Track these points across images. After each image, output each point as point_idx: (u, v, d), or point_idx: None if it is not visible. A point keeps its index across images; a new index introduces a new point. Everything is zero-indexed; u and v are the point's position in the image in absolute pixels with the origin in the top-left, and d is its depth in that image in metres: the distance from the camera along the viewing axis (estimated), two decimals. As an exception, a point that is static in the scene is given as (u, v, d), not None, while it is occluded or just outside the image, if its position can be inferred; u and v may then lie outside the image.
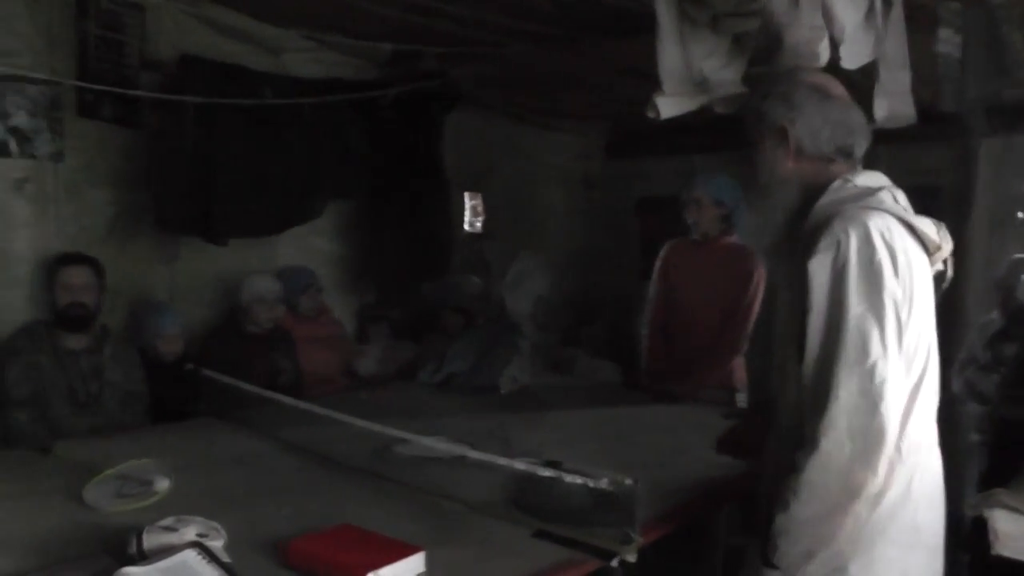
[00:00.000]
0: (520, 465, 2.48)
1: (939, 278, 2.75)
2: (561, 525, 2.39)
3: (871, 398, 1.83)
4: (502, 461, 2.52)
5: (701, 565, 3.42)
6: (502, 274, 6.58)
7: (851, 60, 2.55)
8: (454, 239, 5.78)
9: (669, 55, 2.61)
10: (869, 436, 1.84)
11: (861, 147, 2.09)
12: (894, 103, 2.85)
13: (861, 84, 2.94)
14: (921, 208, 6.20)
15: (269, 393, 3.47)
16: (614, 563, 2.20)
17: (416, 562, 2.04)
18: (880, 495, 1.91)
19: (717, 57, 2.70)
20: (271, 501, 2.61)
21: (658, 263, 4.55)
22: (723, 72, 2.73)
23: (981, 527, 3.05)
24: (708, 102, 2.77)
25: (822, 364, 1.90)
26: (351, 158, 4.88)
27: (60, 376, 3.71)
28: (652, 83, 2.73)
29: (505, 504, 2.59)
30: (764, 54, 2.42)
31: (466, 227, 6.55)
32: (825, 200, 2.02)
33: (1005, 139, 5.46)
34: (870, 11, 2.64)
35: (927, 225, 2.00)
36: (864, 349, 1.84)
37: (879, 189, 2.01)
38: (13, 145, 3.84)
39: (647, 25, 4.13)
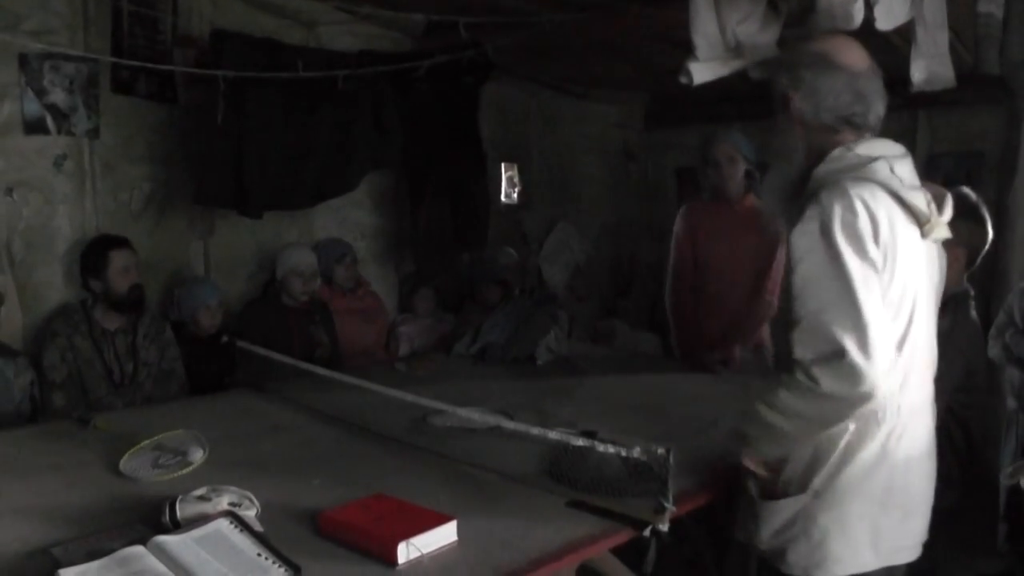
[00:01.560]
0: (554, 435, 2.47)
1: (980, 240, 2.73)
2: (595, 495, 2.39)
3: (867, 353, 1.88)
4: (536, 431, 2.52)
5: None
6: (540, 245, 6.58)
7: (886, 21, 2.49)
8: (491, 210, 5.75)
9: (703, 20, 2.56)
10: (863, 391, 1.90)
11: (874, 114, 2.10)
12: (932, 65, 2.77)
13: (900, 46, 2.88)
14: (965, 174, 6.10)
15: (304, 364, 3.50)
16: (647, 533, 2.18)
17: (448, 531, 2.04)
18: (851, 452, 2.04)
19: (752, 21, 2.64)
20: (305, 471, 2.62)
21: (679, 228, 4.38)
22: (758, 36, 2.68)
23: (1018, 496, 3.00)
24: (743, 67, 2.71)
25: (805, 304, 1.96)
26: (387, 130, 4.86)
27: (96, 357, 3.75)
28: (689, 50, 2.69)
29: (539, 474, 2.59)
30: (798, 16, 2.36)
31: (503, 198, 6.53)
32: (822, 169, 2.07)
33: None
34: (907, -30, 2.57)
35: (918, 198, 2.03)
36: (857, 311, 1.90)
37: (875, 159, 2.02)
38: (50, 122, 3.88)
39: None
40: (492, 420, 2.86)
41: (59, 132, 3.93)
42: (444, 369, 4.27)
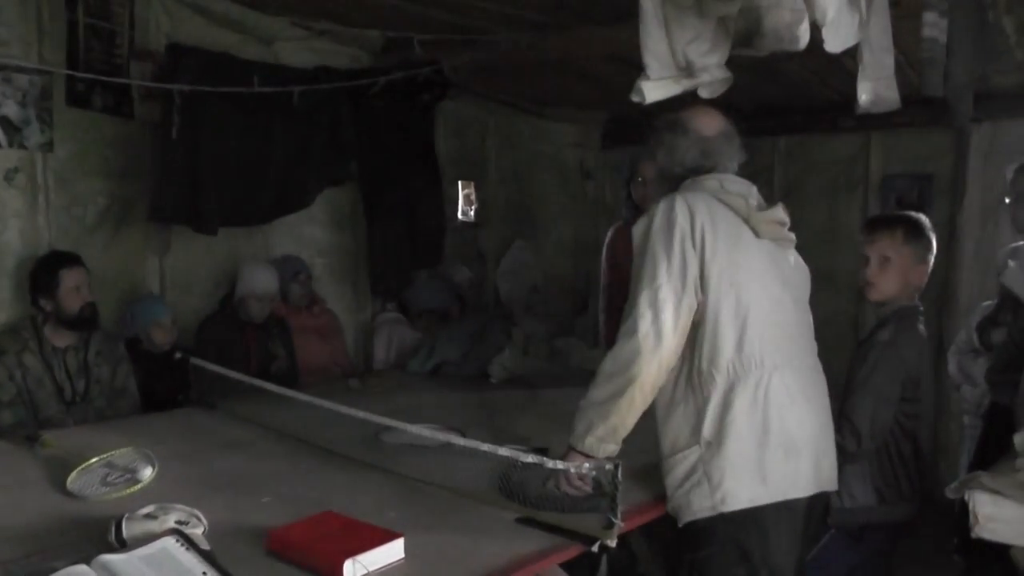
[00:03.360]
0: (504, 452, 2.48)
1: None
2: (544, 511, 2.42)
3: (655, 309, 2.37)
4: (486, 447, 2.52)
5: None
6: (497, 263, 6.59)
7: (833, 44, 2.53)
8: (448, 228, 5.76)
9: (653, 39, 2.59)
10: (649, 337, 2.36)
11: (722, 168, 2.58)
12: (878, 87, 2.83)
13: (852, 69, 2.93)
14: (917, 195, 6.18)
15: (257, 381, 3.48)
16: (595, 548, 2.20)
17: (395, 548, 2.05)
18: (729, 402, 2.38)
19: (701, 41, 2.67)
20: (255, 489, 2.62)
21: (606, 251, 4.58)
22: (708, 57, 2.71)
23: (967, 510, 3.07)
24: (694, 87, 2.75)
25: (633, 288, 2.45)
26: (342, 147, 4.86)
27: (46, 375, 3.69)
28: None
29: (490, 491, 2.60)
30: (744, 38, 2.40)
31: (459, 216, 6.53)
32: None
33: (993, 126, 5.49)
34: (853, -7, 2.61)
35: (736, 201, 2.50)
36: (654, 275, 2.40)
37: (709, 179, 2.55)
38: (1, 135, 3.83)
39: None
40: (443, 437, 2.86)
41: (11, 145, 3.87)
42: (398, 385, 4.27)
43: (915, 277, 3.03)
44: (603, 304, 4.57)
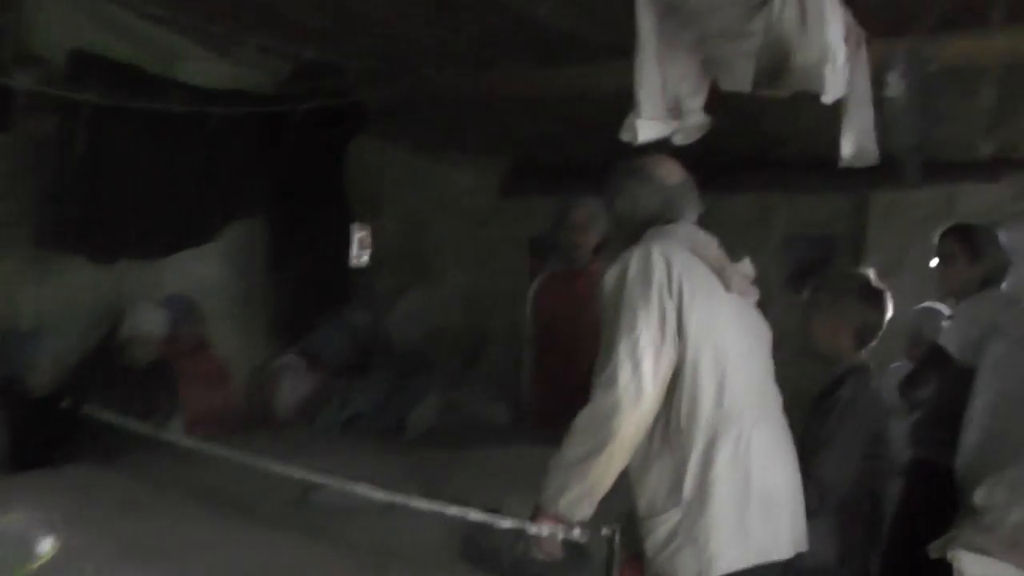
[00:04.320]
0: (476, 515, 2.25)
1: (869, 320, 2.98)
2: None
3: (635, 359, 2.24)
4: (453, 510, 2.29)
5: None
6: (390, 308, 6.33)
7: (832, 92, 2.42)
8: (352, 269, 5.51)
9: (649, 75, 2.44)
10: (630, 389, 2.22)
11: (684, 214, 2.50)
12: (860, 140, 2.77)
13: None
14: (818, 256, 6.33)
15: (162, 433, 3.10)
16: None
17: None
18: (710, 460, 2.26)
19: (688, 81, 2.56)
20: (176, 559, 2.28)
21: (530, 298, 4.45)
22: (691, 100, 2.61)
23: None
24: (676, 130, 2.62)
25: (607, 340, 2.31)
26: (250, 179, 4.52)
27: None
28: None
29: (451, 559, 2.37)
30: (767, 77, 2.25)
31: (352, 260, 6.24)
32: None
33: (891, 192, 5.67)
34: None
35: (708, 251, 2.44)
36: (633, 324, 2.26)
37: (675, 228, 2.46)
38: None
39: (573, 54, 4.02)
40: (391, 497, 2.55)
41: None
42: (309, 439, 3.94)
43: (832, 334, 3.02)
44: (527, 356, 4.33)
